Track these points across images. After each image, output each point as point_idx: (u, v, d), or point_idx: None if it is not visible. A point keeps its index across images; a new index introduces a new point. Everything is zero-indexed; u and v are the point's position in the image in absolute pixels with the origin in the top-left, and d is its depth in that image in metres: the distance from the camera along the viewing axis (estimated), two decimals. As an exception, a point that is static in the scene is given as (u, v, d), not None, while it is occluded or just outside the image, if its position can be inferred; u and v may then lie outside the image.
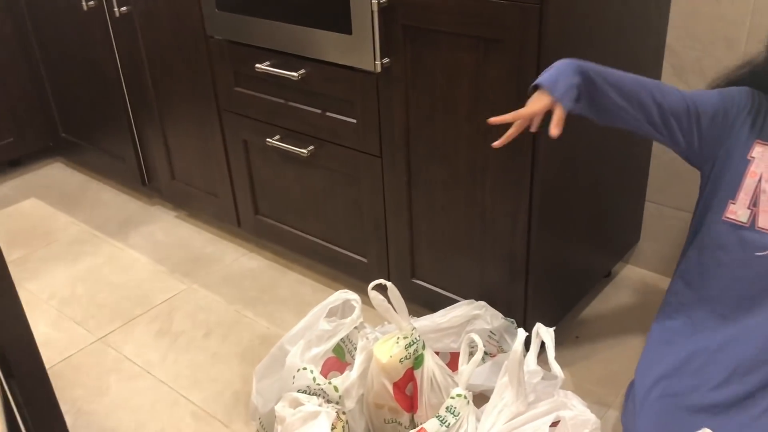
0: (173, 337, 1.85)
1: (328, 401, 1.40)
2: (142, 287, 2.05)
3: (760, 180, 1.23)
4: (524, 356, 1.32)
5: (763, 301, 1.25)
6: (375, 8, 1.43)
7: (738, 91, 1.28)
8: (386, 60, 1.49)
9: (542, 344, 1.35)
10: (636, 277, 1.95)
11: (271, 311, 1.92)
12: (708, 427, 1.14)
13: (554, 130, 1.18)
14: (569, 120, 1.46)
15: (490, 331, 1.52)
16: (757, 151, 1.23)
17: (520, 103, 1.34)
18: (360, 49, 1.51)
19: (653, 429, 1.24)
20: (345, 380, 1.41)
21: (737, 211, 1.26)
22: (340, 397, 1.40)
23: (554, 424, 1.22)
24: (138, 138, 2.29)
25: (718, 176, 1.28)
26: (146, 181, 2.37)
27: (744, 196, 1.25)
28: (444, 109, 1.47)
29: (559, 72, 1.20)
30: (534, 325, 1.36)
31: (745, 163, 1.24)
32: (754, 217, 1.24)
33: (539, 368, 1.34)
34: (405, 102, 1.52)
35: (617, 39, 1.51)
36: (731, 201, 1.26)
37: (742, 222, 1.25)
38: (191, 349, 1.80)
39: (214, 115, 1.97)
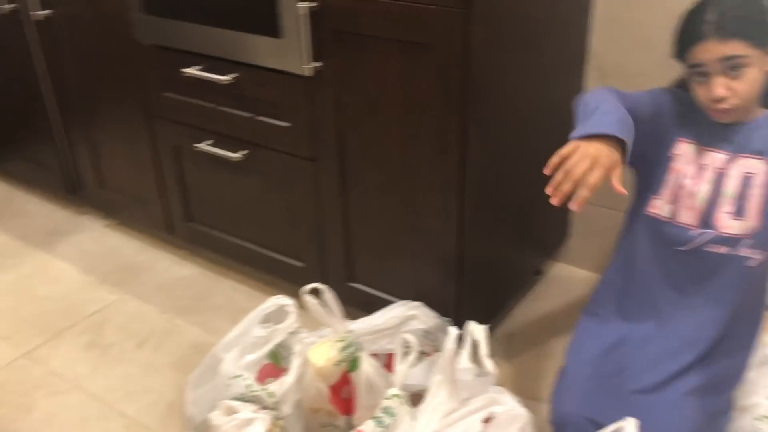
0: (104, 349, 1.80)
1: (264, 408, 1.39)
2: (70, 299, 1.98)
3: (680, 176, 1.28)
4: (458, 354, 1.34)
5: (686, 293, 1.31)
6: (304, 12, 1.43)
7: (662, 91, 1.34)
8: (317, 64, 1.49)
9: (476, 342, 1.37)
10: (566, 274, 2.01)
11: (205, 319, 1.89)
12: (630, 406, 1.20)
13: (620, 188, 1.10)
14: (497, 122, 1.50)
15: (426, 331, 1.54)
16: (680, 148, 1.29)
17: (448, 106, 1.36)
18: (290, 53, 1.51)
19: (581, 406, 1.27)
20: (281, 386, 1.40)
21: (659, 206, 1.30)
22: (275, 402, 1.39)
23: (487, 420, 1.24)
24: (64, 146, 2.22)
25: (647, 173, 1.33)
26: (74, 189, 2.30)
27: (667, 192, 1.30)
28: (375, 113, 1.48)
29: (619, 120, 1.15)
30: (468, 323, 1.38)
31: (669, 160, 1.29)
32: (674, 213, 1.29)
33: (472, 366, 1.36)
34: (337, 105, 1.52)
35: (542, 42, 1.55)
36: (655, 196, 1.31)
37: (664, 217, 1.30)
38: (123, 361, 1.75)
39: (144, 121, 1.93)
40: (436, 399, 1.27)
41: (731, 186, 1.24)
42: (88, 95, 2.03)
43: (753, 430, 1.32)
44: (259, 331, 1.47)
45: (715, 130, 1.25)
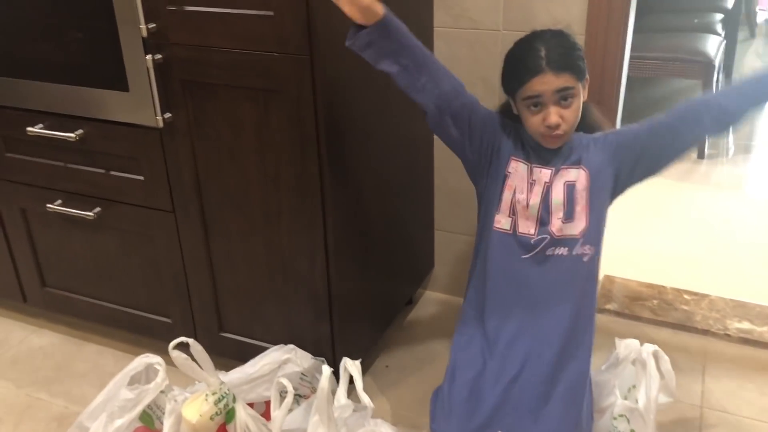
0: (-48, 435, 1.64)
1: (137, 474, 1.32)
2: None
3: (514, 192, 1.42)
4: (334, 392, 1.35)
5: (538, 296, 1.43)
6: (150, 65, 1.41)
7: (497, 113, 1.48)
8: (168, 115, 1.47)
9: (352, 378, 1.39)
10: (435, 301, 2.08)
11: (68, 389, 1.78)
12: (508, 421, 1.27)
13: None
14: (354, 161, 1.54)
15: (302, 373, 1.54)
16: (512, 166, 1.42)
17: (304, 149, 1.39)
18: (139, 105, 1.49)
19: (463, 428, 1.33)
20: (154, 448, 1.34)
21: (501, 221, 1.43)
22: (149, 467, 1.33)
23: (367, 453, 1.26)
24: None
25: (487, 191, 1.46)
26: None
27: (504, 206, 1.43)
28: (232, 159, 1.48)
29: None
30: (343, 360, 1.40)
31: (504, 177, 1.43)
32: (515, 225, 1.42)
33: (350, 402, 1.38)
34: (192, 155, 1.51)
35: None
36: (496, 212, 1.44)
37: (506, 230, 1.43)
38: (-24, 446, 1.61)
39: (-16, 184, 1.81)
40: (315, 440, 1.27)
41: (557, 195, 1.40)
42: None
43: (611, 428, 1.42)
44: (127, 394, 1.40)
45: (541, 150, 1.41)
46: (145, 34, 1.39)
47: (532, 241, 1.41)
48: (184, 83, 1.44)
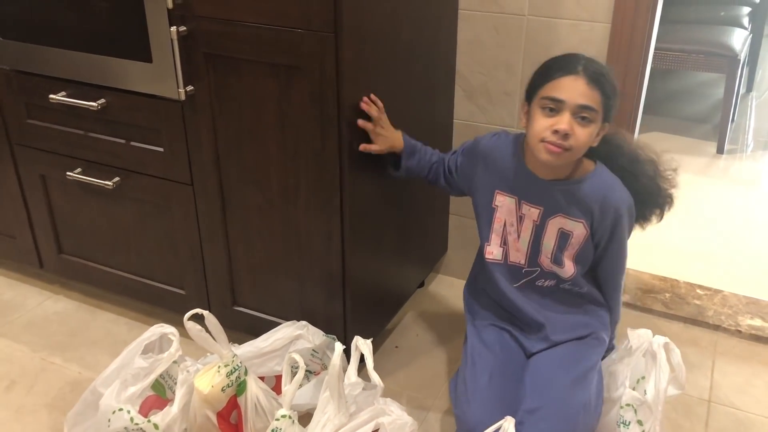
0: (-32, 395, 1.67)
1: (149, 440, 1.35)
2: (-73, 344, 1.83)
3: (504, 224, 1.45)
4: (345, 370, 1.36)
5: (532, 322, 1.49)
6: (174, 37, 1.41)
7: (474, 149, 1.50)
8: (190, 87, 1.48)
9: (362, 356, 1.40)
10: (447, 284, 2.09)
11: (82, 355, 1.80)
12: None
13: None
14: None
15: (313, 350, 1.55)
16: (499, 200, 1.45)
17: (324, 128, 1.39)
18: (162, 77, 1.49)
19: (485, 414, 1.36)
20: (165, 416, 1.36)
21: (493, 252, 1.48)
22: (161, 434, 1.35)
23: (375, 431, 1.27)
24: None
25: (480, 221, 1.51)
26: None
27: (495, 237, 1.47)
28: (252, 134, 1.49)
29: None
30: (354, 338, 1.41)
31: (492, 210, 1.46)
32: (506, 255, 1.47)
33: (360, 380, 1.39)
34: (212, 128, 1.52)
35: (411, 64, 1.62)
36: (487, 243, 1.48)
37: (498, 260, 1.48)
38: (-10, 407, 1.64)
39: (5, 149, 1.82)
40: (325, 415, 1.28)
41: (548, 240, 1.42)
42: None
43: (618, 417, 1.43)
44: (141, 362, 1.42)
45: (531, 186, 1.40)
46: (170, 5, 1.39)
47: (523, 271, 1.46)
48: (208, 56, 1.44)
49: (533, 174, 1.39)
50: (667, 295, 2.03)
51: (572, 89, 1.27)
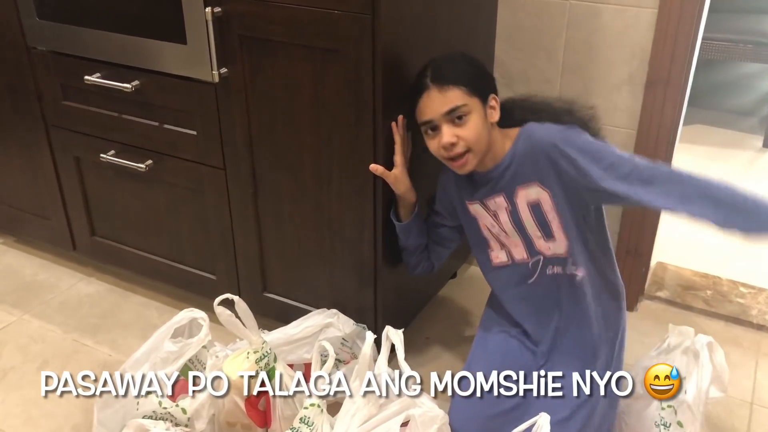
0: (1, 373, 1.69)
1: (177, 424, 1.34)
2: (-38, 322, 1.86)
3: (488, 228, 1.44)
4: (375, 360, 1.34)
5: (550, 312, 1.45)
6: (209, 18, 1.39)
7: (439, 182, 1.50)
8: (224, 70, 1.46)
9: (393, 347, 1.37)
10: (479, 277, 2.03)
11: (113, 337, 1.81)
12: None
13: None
14: (409, 129, 1.51)
15: (343, 339, 1.53)
16: (472, 209, 1.45)
17: (359, 113, 1.36)
18: (196, 59, 1.47)
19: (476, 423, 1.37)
20: (194, 401, 1.35)
21: (499, 256, 1.47)
22: (189, 419, 1.35)
23: (405, 423, 1.25)
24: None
25: (469, 235, 1.50)
26: (-35, 206, 2.16)
27: (494, 243, 1.46)
28: (285, 118, 1.46)
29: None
30: (385, 328, 1.38)
31: (474, 221, 1.46)
32: (510, 254, 1.45)
33: (390, 370, 1.36)
34: (246, 112, 1.50)
35: (448, 49, 1.57)
36: (490, 250, 1.48)
37: (505, 262, 1.47)
38: (23, 385, 1.65)
39: (41, 131, 1.83)
40: (354, 405, 1.26)
41: (527, 218, 1.38)
42: (-21, 105, 1.91)
43: (657, 419, 1.38)
44: (171, 346, 1.42)
45: (481, 184, 1.40)
46: (206, -15, 1.37)
47: (530, 265, 1.43)
48: (242, 38, 1.42)
49: (477, 173, 1.39)
50: (709, 292, 1.97)
51: (430, 106, 1.30)
